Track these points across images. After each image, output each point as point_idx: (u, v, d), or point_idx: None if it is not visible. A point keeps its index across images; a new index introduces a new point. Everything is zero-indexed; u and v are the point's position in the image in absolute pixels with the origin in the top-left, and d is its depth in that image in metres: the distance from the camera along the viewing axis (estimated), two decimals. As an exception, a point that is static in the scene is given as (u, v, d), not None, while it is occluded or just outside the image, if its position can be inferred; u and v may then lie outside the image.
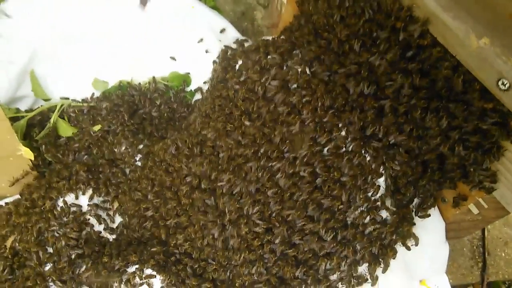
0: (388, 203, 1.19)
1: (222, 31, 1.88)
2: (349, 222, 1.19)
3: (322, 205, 1.18)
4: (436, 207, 1.30)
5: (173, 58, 1.89)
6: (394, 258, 1.19)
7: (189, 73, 1.89)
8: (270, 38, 1.50)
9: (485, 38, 0.92)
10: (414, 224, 1.23)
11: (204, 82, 1.80)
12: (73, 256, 1.38)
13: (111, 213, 1.52)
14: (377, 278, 1.19)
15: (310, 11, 1.37)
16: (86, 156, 1.67)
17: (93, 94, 1.83)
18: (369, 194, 1.18)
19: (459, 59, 0.99)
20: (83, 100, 1.82)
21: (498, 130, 1.03)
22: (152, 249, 1.35)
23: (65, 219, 1.48)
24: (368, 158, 1.18)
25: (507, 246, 1.81)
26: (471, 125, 1.06)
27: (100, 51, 1.89)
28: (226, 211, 1.26)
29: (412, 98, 1.11)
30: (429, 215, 1.25)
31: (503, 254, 1.79)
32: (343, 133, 1.20)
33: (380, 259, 1.17)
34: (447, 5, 0.98)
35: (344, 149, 1.20)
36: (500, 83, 0.91)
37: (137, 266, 1.32)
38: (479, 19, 0.95)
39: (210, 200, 1.30)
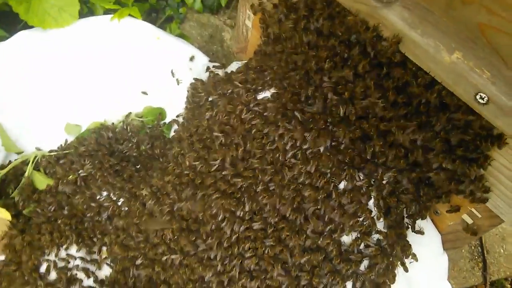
0: (379, 225, 1.16)
1: (192, 58, 1.84)
2: (343, 250, 1.15)
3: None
4: (430, 220, 1.27)
5: (144, 93, 1.84)
6: (393, 283, 1.16)
7: (163, 106, 1.84)
8: (240, 63, 1.47)
9: (457, 52, 0.90)
10: (409, 244, 1.19)
11: (177, 116, 1.75)
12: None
13: (98, 264, 1.47)
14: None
15: (276, 35, 1.34)
16: (66, 207, 1.60)
17: (66, 140, 1.77)
18: (360, 218, 1.14)
19: (433, 76, 0.96)
20: (57, 149, 1.76)
21: (483, 141, 1.00)
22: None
23: (51, 277, 1.42)
24: (356, 181, 1.15)
25: (505, 241, 1.79)
26: (455, 138, 1.04)
27: (70, 94, 1.83)
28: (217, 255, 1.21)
29: (391, 117, 1.09)
30: (423, 232, 1.22)
31: (502, 250, 1.77)
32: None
33: (381, 285, 1.14)
34: (413, 22, 0.95)
35: (328, 174, 1.16)
36: (478, 97, 0.89)
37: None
38: (448, 33, 0.92)
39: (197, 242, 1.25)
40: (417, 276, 1.33)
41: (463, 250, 1.74)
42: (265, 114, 1.24)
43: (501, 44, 0.85)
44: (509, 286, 1.75)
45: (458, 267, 1.72)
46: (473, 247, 1.75)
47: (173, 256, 1.29)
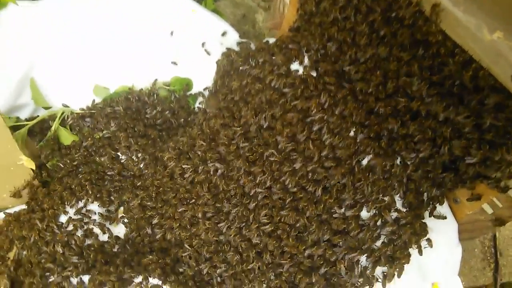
0: (399, 204, 1.16)
1: (224, 34, 1.86)
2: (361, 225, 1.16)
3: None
4: (448, 208, 1.27)
5: (174, 63, 1.86)
6: (408, 262, 1.16)
7: (190, 78, 1.86)
8: (272, 39, 1.48)
9: (498, 32, 0.90)
10: (426, 225, 1.19)
11: (205, 89, 1.77)
12: (78, 266, 1.35)
13: (115, 221, 1.50)
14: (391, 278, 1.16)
15: (312, 11, 1.35)
16: (88, 164, 1.64)
17: (93, 101, 1.80)
18: (381, 195, 1.14)
19: (471, 54, 0.96)
20: (85, 108, 1.80)
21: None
22: (158, 259, 1.32)
23: (69, 228, 1.46)
24: (380, 158, 1.15)
25: (519, 245, 1.77)
26: (486, 122, 1.03)
27: (101, 57, 1.86)
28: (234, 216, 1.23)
29: (425, 95, 1.09)
30: (445, 217, 1.22)
31: (515, 254, 1.75)
32: (351, 133, 1.17)
33: (396, 262, 1.14)
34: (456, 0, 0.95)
35: (353, 148, 1.17)
36: (515, 77, 0.88)
37: (142, 276, 1.29)
38: (490, 12, 0.92)
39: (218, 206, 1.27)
40: (430, 264, 1.33)
41: (475, 250, 1.73)
42: (296, 84, 1.25)
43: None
44: (519, 289, 1.73)
45: (470, 266, 1.71)
46: (486, 248, 1.74)
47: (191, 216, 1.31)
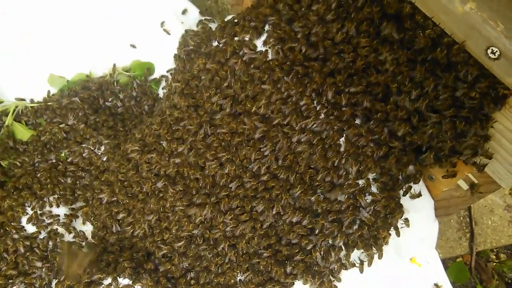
0: (373, 188, 1.13)
1: (184, 12, 1.76)
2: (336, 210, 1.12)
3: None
4: (424, 186, 1.24)
5: (133, 46, 1.75)
6: (387, 244, 1.14)
7: (152, 61, 1.76)
8: (234, 16, 1.39)
9: (470, 3, 0.84)
10: (402, 206, 1.16)
11: (168, 71, 1.68)
12: (43, 270, 1.28)
13: (80, 220, 1.42)
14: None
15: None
16: (48, 161, 1.54)
17: (49, 91, 1.69)
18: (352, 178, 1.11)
19: (443, 28, 0.90)
20: (41, 100, 1.68)
21: (487, 102, 0.96)
22: (128, 257, 1.26)
23: (30, 231, 1.38)
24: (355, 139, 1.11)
25: (493, 213, 1.78)
26: (460, 98, 0.99)
27: (55, 43, 1.74)
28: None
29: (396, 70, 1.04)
30: (420, 195, 1.19)
31: (490, 222, 1.77)
32: (321, 116, 1.12)
33: (373, 245, 1.12)
34: (426, -31, 0.89)
35: (324, 133, 1.12)
36: (489, 51, 0.84)
37: (111, 277, 1.23)
38: (462, -18, 0.86)
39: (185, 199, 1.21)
40: (407, 242, 1.31)
41: (451, 220, 1.73)
42: (262, 67, 1.18)
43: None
44: (494, 257, 1.75)
45: (446, 237, 1.71)
46: (461, 218, 1.75)
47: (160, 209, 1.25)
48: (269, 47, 1.21)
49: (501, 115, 0.97)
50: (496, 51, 0.83)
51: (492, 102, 0.95)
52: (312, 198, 1.10)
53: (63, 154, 1.53)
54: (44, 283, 1.26)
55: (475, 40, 0.86)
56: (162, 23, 1.71)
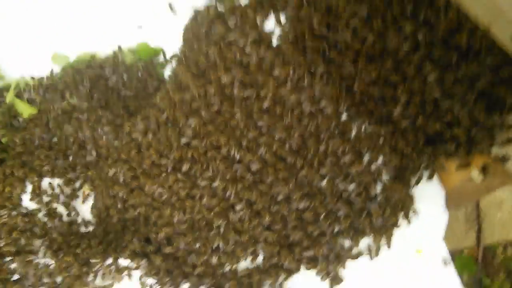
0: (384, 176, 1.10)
1: (193, -7, 1.72)
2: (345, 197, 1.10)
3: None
4: (435, 175, 1.21)
5: (140, 27, 1.72)
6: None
7: (158, 43, 1.72)
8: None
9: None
10: (412, 196, 1.14)
11: (173, 55, 1.65)
12: (41, 249, 1.26)
13: (81, 199, 1.40)
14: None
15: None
16: (48, 138, 1.51)
17: (52, 70, 1.65)
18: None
19: (466, 13, 0.86)
20: (43, 78, 1.65)
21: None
22: (130, 239, 1.23)
23: (30, 207, 1.36)
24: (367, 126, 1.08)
25: (501, 208, 1.76)
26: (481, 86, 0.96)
27: (60, 22, 1.72)
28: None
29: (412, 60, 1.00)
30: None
31: (498, 216, 1.74)
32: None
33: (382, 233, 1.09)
34: None
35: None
36: (515, 37, 0.80)
37: (113, 258, 1.21)
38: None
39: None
40: (413, 233, 1.29)
41: (459, 213, 1.70)
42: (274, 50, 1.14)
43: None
44: (501, 250, 1.73)
45: (453, 229, 1.69)
46: (469, 211, 1.72)
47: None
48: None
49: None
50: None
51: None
52: (324, 183, 1.08)
53: (64, 133, 1.50)
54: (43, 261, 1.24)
55: (500, 25, 0.82)
56: (170, 6, 1.67)
